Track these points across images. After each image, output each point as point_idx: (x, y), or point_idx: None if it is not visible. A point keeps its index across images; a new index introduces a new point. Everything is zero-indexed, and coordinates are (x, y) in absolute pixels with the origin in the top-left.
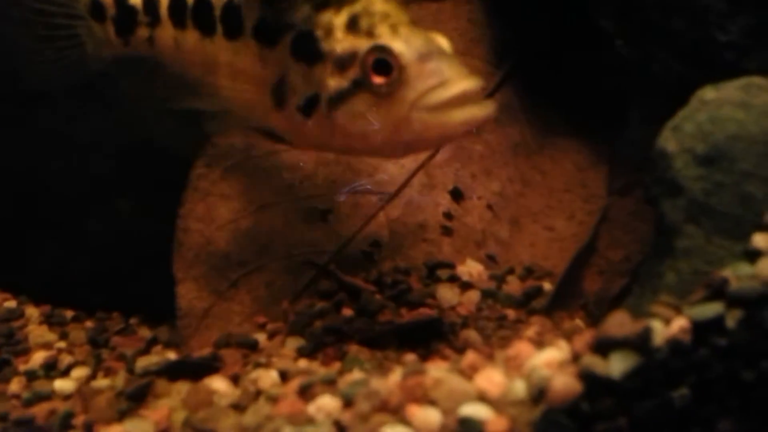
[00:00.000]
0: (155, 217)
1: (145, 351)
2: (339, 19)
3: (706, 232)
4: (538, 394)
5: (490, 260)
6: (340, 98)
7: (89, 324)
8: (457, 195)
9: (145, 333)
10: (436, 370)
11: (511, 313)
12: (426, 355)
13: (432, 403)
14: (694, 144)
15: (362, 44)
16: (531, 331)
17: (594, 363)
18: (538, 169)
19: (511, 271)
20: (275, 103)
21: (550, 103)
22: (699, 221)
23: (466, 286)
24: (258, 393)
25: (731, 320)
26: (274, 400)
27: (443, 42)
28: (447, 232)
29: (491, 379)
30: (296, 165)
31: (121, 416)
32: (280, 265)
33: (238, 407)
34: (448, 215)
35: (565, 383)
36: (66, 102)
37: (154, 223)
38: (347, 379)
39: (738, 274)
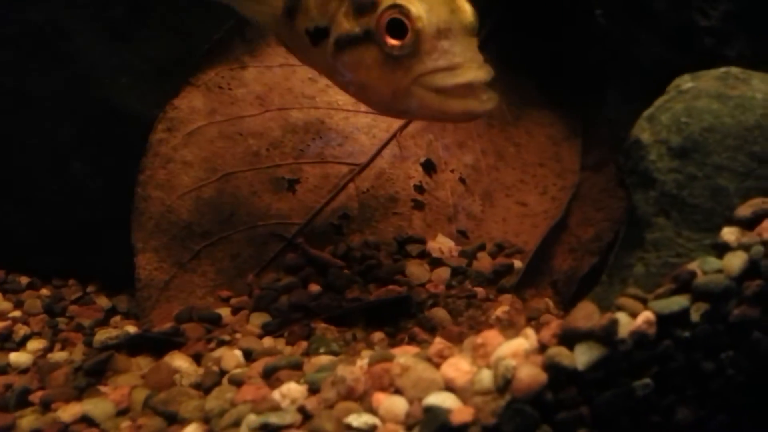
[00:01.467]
0: (111, 180)
1: (104, 322)
2: None
3: (676, 225)
4: (504, 384)
5: (461, 235)
6: (348, 42)
7: (45, 292)
8: (429, 167)
9: (104, 302)
10: (404, 356)
11: (480, 291)
12: (394, 333)
13: (398, 391)
14: (669, 135)
15: None
16: (500, 311)
17: (559, 354)
18: (513, 141)
19: (481, 248)
20: (287, 14)
21: (527, 72)
22: (669, 214)
23: (436, 263)
24: (222, 373)
25: (695, 313)
26: (237, 383)
27: (467, 13)
28: (418, 205)
29: (458, 367)
30: (263, 132)
31: (79, 393)
32: (245, 237)
33: (201, 387)
34: (419, 188)
35: (530, 374)
36: (16, 56)
37: (111, 187)
38: (314, 362)
39: (705, 268)
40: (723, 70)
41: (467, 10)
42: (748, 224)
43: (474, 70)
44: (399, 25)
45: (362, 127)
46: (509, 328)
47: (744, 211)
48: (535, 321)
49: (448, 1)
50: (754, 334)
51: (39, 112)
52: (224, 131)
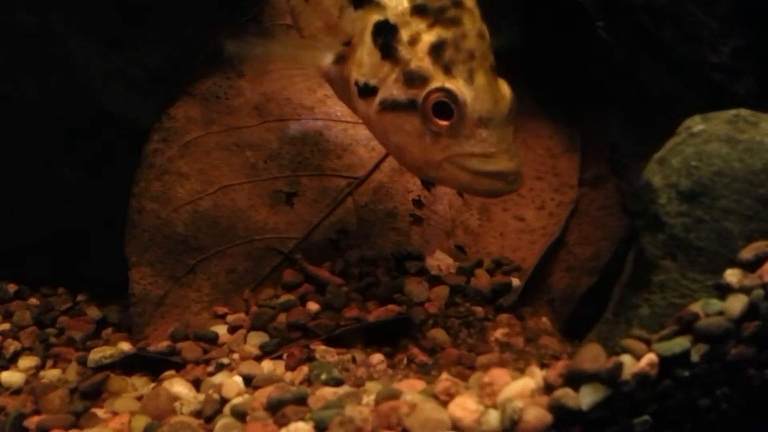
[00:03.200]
0: (102, 187)
1: (95, 334)
2: (428, 36)
3: (682, 267)
4: (511, 425)
5: (458, 250)
6: (393, 107)
7: (34, 301)
8: (427, 180)
9: (94, 312)
10: (411, 394)
11: (479, 311)
12: (393, 354)
13: (406, 431)
14: (679, 179)
15: (436, 77)
16: (499, 333)
17: (565, 395)
18: None
19: (479, 264)
20: (335, 59)
21: (526, 82)
22: (676, 256)
23: (434, 281)
24: (222, 401)
25: (696, 354)
26: (241, 415)
27: (508, 103)
28: (416, 220)
29: (465, 406)
30: (260, 143)
31: (76, 418)
32: (242, 251)
33: (201, 415)
34: (418, 202)
35: (536, 416)
36: (6, 59)
37: (101, 194)
38: (318, 395)
39: (707, 310)
40: (733, 112)
41: (508, 100)
42: (751, 266)
43: (505, 161)
44: (445, 107)
45: (361, 140)
46: (508, 350)
47: (747, 253)
48: (533, 342)
49: (493, 87)
50: (748, 371)
51: (29, 117)
52: (221, 142)
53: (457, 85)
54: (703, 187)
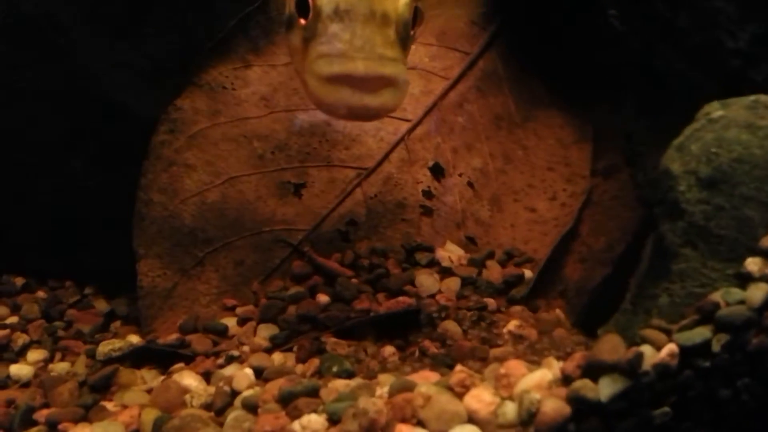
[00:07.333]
0: (110, 178)
1: (103, 327)
2: None
3: (702, 255)
4: (528, 417)
5: (469, 242)
6: (287, 23)
7: (41, 294)
8: (437, 171)
9: (102, 305)
10: (425, 386)
11: (491, 303)
12: (405, 347)
13: (421, 423)
14: (699, 166)
15: None
16: (512, 325)
17: (584, 387)
18: (521, 144)
19: (490, 256)
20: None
21: (536, 71)
22: (696, 245)
23: (445, 273)
24: (233, 393)
25: (716, 344)
26: (252, 408)
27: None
28: (427, 211)
29: (481, 398)
30: (268, 134)
31: (86, 411)
32: (250, 243)
33: (212, 408)
34: (428, 194)
35: (554, 407)
36: (11, 49)
37: (109, 186)
38: (330, 387)
39: (728, 299)
40: (753, 98)
41: (396, 1)
42: None
43: (359, 60)
44: (304, 5)
45: (369, 130)
46: (521, 343)
47: None
48: (547, 334)
49: None
50: None
51: (35, 108)
52: (228, 133)
53: None
54: (722, 174)
